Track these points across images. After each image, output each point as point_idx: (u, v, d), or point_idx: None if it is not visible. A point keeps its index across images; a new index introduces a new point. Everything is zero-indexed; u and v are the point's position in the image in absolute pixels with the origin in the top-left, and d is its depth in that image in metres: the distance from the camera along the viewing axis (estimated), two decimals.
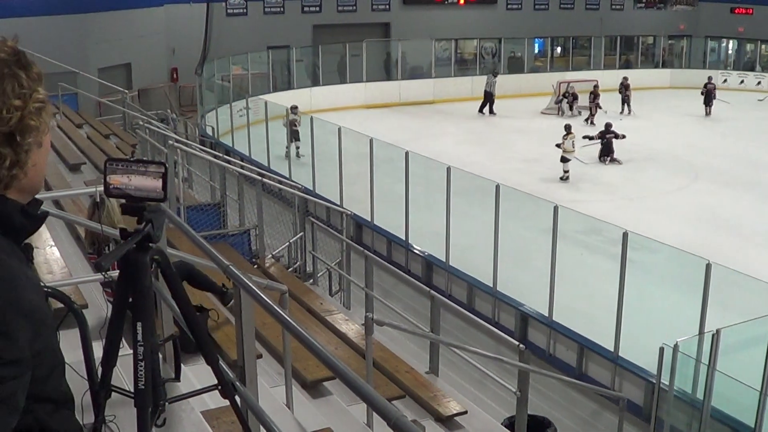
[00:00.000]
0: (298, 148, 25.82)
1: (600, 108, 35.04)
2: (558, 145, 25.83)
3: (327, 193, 20.32)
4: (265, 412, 4.45)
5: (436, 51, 42.57)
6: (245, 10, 40.36)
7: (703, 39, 50.09)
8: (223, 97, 31.95)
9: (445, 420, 8.95)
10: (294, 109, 26.83)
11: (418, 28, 42.27)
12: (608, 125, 28.44)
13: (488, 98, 37.33)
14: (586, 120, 34.63)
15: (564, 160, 25.67)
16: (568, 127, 26.40)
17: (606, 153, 27.94)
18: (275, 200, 17.65)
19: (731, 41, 51.23)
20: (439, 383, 10.10)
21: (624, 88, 37.21)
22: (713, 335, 10.46)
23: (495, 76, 37.66)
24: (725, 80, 46.36)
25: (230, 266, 4.51)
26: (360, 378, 3.29)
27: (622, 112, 36.14)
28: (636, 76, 44.39)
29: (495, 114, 36.98)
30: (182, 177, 16.31)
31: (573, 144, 25.83)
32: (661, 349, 10.17)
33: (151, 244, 3.69)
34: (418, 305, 13.39)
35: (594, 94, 35.32)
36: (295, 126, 26.17)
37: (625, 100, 37.00)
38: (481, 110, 37.33)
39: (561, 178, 25.44)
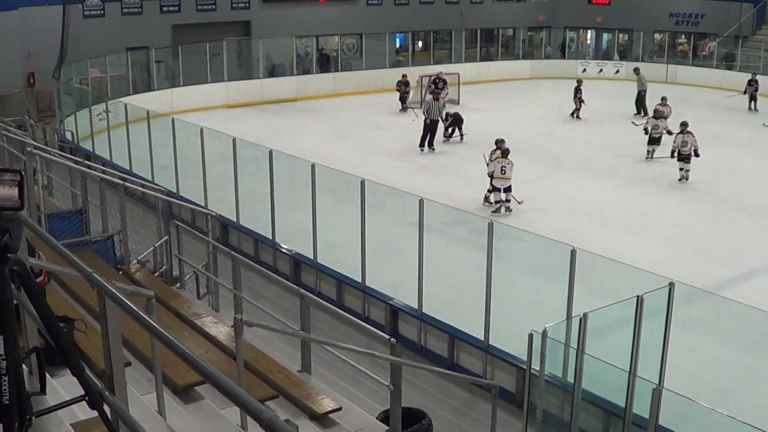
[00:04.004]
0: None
1: (583, 103, 35.30)
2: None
3: (191, 195, 20.12)
4: (136, 421, 4.38)
5: (298, 48, 42.48)
6: (102, 12, 39.53)
7: (562, 30, 51.27)
8: (82, 101, 31.31)
9: (320, 417, 8.95)
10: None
11: (279, 25, 42.08)
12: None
13: (430, 128, 29.21)
14: (572, 115, 35.40)
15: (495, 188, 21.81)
16: (499, 142, 22.90)
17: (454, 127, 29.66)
18: (139, 204, 17.36)
19: (589, 31, 52.64)
20: (312, 381, 10.10)
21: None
22: (580, 319, 10.64)
23: (437, 99, 30.31)
24: (584, 69, 47.56)
25: (93, 273, 4.43)
26: (230, 380, 3.27)
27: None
28: (497, 68, 45.31)
29: (434, 149, 29.05)
30: (42, 184, 15.97)
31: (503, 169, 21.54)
32: (530, 336, 10.29)
33: (9, 255, 3.61)
34: (288, 304, 13.35)
35: (578, 90, 35.63)
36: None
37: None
38: (422, 144, 29.02)
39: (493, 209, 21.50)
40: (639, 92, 36.80)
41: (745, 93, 37.85)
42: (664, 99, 30.69)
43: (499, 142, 22.77)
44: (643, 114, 34.98)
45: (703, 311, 14.47)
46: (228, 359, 9.51)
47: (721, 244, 19.71)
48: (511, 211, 21.42)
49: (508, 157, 21.75)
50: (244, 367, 8.13)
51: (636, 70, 37.70)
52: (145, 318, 4.09)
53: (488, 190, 22.11)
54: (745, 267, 18.40)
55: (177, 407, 7.56)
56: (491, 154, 22.57)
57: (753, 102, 37.62)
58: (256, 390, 8.70)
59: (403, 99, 36.36)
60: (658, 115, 28.25)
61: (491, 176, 21.71)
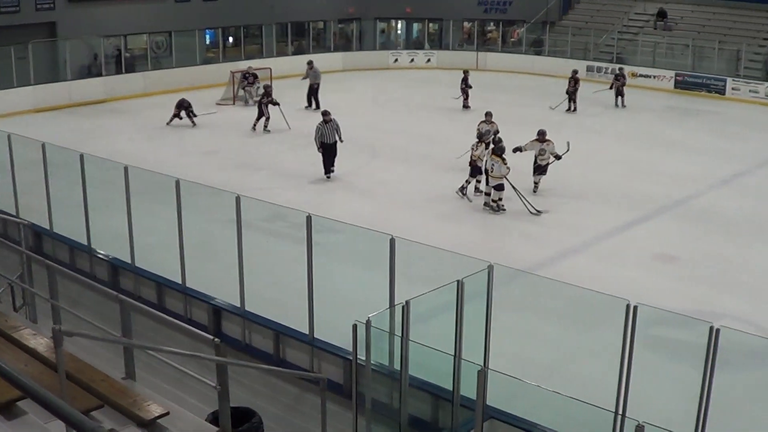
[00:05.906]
0: None
1: (471, 87, 36.19)
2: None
3: (2, 205, 19.48)
4: None
5: (105, 48, 41.58)
6: None
7: (373, 21, 51.83)
8: None
9: (148, 424, 8.84)
10: None
11: (86, 25, 41.04)
12: (267, 87, 31.40)
13: (324, 154, 25.21)
14: (463, 105, 36.03)
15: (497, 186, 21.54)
16: (482, 136, 23.09)
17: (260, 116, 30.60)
18: None
19: (400, 22, 53.48)
20: (137, 388, 9.95)
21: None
22: (403, 307, 10.79)
23: (327, 121, 25.35)
24: (396, 60, 48.26)
25: None
26: (50, 393, 3.24)
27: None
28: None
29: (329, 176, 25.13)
30: None
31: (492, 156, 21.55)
32: (355, 326, 10.38)
33: None
34: (108, 310, 13.06)
35: (465, 79, 36.29)
36: None
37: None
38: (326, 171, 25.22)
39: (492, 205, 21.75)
40: (311, 85, 36.97)
41: (611, 88, 37.89)
42: (488, 114, 25.86)
43: (482, 136, 22.90)
44: (315, 107, 35.39)
45: (522, 290, 14.93)
46: (49, 371, 9.31)
47: (536, 226, 20.37)
48: (504, 210, 21.71)
49: (503, 155, 21.56)
50: (66, 379, 7.97)
51: (309, 63, 37.71)
52: None
53: (478, 183, 22.63)
54: (560, 246, 19.10)
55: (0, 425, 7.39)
56: (476, 146, 22.61)
57: (620, 98, 37.53)
58: (80, 401, 8.54)
59: (178, 116, 33.40)
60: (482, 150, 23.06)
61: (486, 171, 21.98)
